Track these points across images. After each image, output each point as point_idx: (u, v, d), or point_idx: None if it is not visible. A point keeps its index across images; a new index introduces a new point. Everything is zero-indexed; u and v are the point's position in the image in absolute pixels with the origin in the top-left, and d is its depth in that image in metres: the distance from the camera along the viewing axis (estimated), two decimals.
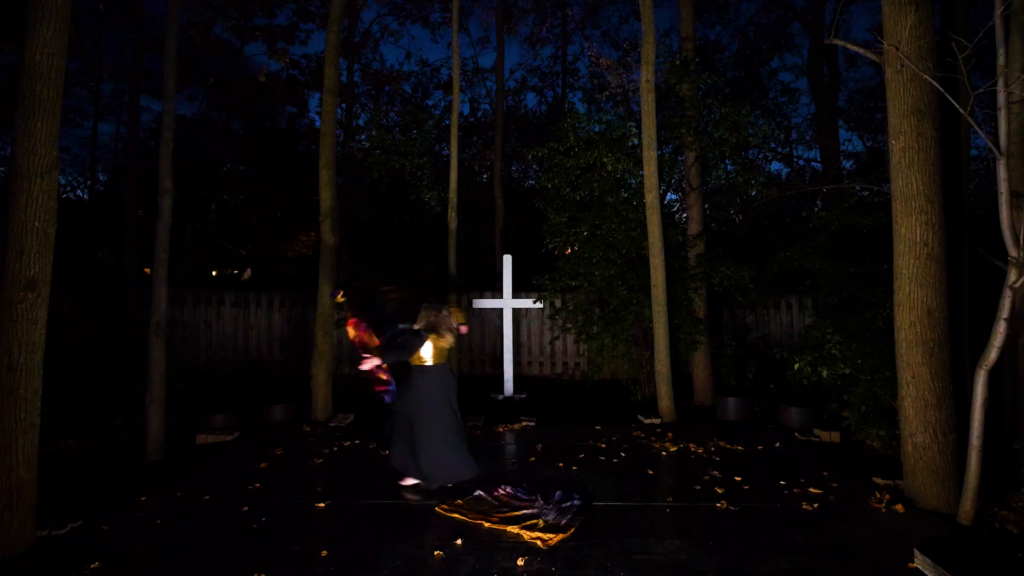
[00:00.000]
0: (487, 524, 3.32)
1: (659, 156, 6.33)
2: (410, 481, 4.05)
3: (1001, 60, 3.35)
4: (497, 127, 11.56)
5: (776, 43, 13.44)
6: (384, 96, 15.49)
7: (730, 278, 6.67)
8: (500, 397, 7.13)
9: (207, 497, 3.78)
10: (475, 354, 8.83)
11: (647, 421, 5.86)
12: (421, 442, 3.89)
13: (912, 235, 3.76)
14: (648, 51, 5.95)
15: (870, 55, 3.94)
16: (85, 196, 16.08)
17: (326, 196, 6.07)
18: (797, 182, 13.04)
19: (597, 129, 7.01)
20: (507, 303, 7.29)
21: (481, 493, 3.75)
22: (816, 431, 5.47)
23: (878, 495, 3.72)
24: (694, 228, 7.10)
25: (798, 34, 13.83)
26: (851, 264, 6.10)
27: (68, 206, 14.75)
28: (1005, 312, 3.30)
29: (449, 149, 7.23)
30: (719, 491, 3.90)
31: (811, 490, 3.89)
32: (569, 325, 7.65)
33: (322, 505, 3.66)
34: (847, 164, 13.50)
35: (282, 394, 6.82)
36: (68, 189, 15.95)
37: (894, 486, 3.99)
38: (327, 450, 4.87)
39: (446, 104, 15.68)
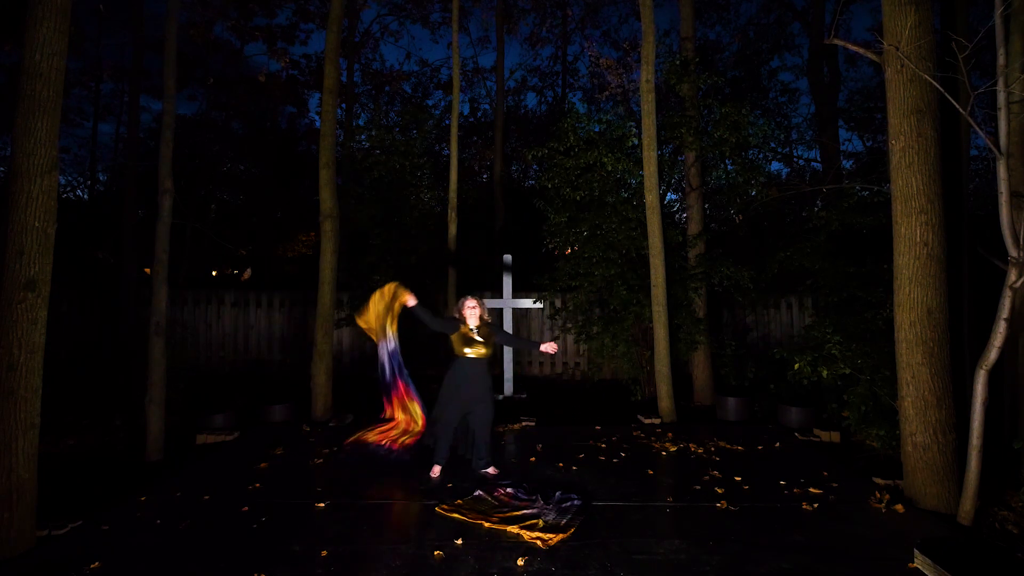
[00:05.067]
0: (487, 524, 3.32)
1: (659, 156, 6.33)
2: (437, 470, 4.22)
3: (1001, 60, 3.35)
4: (497, 127, 11.57)
5: (776, 43, 13.45)
6: (384, 96, 15.51)
7: (730, 278, 6.67)
8: (500, 397, 7.13)
9: (207, 497, 3.78)
10: None
11: (647, 421, 5.86)
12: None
13: (912, 235, 3.76)
14: (648, 51, 5.95)
15: (870, 55, 3.94)
16: (85, 196, 16.07)
17: (326, 196, 6.07)
18: (797, 182, 13.04)
19: (597, 129, 7.01)
20: (507, 303, 7.29)
21: (481, 493, 3.75)
22: (816, 431, 5.47)
23: (878, 495, 3.71)
24: (694, 228, 7.10)
25: (798, 34, 13.85)
26: (851, 264, 6.10)
27: (68, 206, 14.73)
28: (1005, 312, 3.30)
29: (449, 149, 7.23)
30: (719, 491, 3.89)
31: (811, 490, 3.88)
32: (569, 325, 7.65)
33: (322, 505, 3.66)
34: (847, 164, 13.52)
35: (282, 394, 6.81)
36: (68, 189, 15.93)
37: (894, 486, 3.99)
38: (327, 450, 4.87)
39: (446, 104, 15.68)
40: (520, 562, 2.90)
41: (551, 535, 3.15)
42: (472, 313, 4.24)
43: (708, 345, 6.86)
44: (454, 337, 4.21)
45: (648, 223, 6.03)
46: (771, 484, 4.02)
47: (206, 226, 13.67)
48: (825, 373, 5.08)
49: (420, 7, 14.72)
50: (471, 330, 4.21)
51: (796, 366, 5.18)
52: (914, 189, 3.74)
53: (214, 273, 17.13)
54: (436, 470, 4.22)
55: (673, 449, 4.88)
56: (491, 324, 4.36)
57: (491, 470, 4.24)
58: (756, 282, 6.77)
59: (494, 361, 8.64)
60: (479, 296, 4.35)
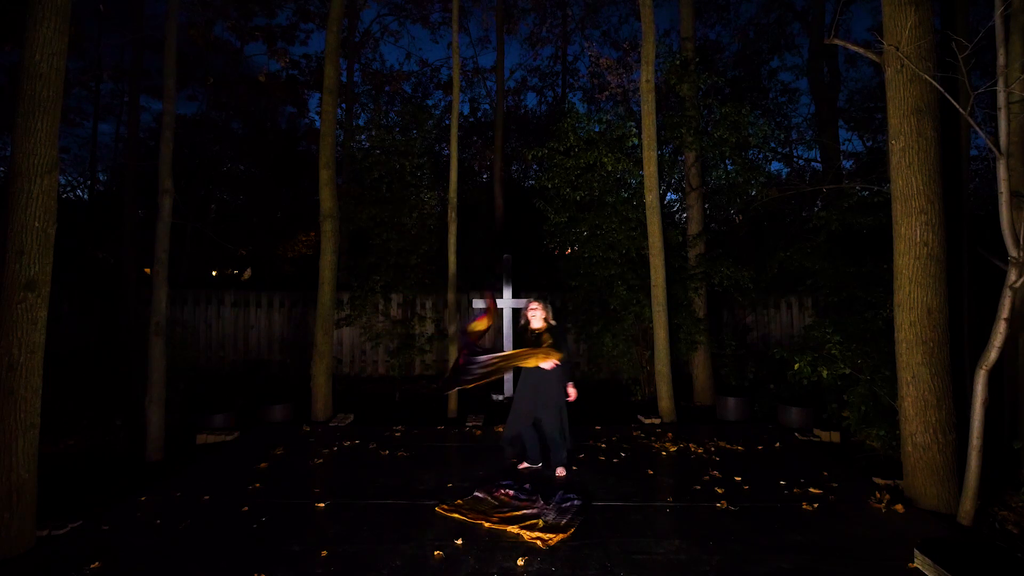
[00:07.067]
0: (487, 524, 3.32)
1: (659, 156, 6.33)
2: (525, 464, 4.38)
3: (1001, 60, 3.35)
4: (497, 127, 11.56)
5: (776, 43, 13.44)
6: (384, 96, 15.50)
7: (730, 278, 6.67)
8: (500, 398, 7.13)
9: (207, 497, 3.78)
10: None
11: (647, 421, 5.86)
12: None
13: (912, 235, 3.76)
14: (648, 51, 5.95)
15: (870, 55, 3.94)
16: (85, 196, 16.06)
17: (326, 196, 6.07)
18: (797, 182, 13.03)
19: (597, 129, 7.01)
20: (507, 303, 7.28)
21: (481, 493, 3.75)
22: (816, 431, 5.47)
23: (878, 495, 3.71)
24: (694, 228, 7.10)
25: (798, 34, 13.84)
26: (851, 264, 6.10)
27: (68, 206, 14.73)
28: (1005, 312, 3.30)
29: (449, 149, 7.23)
30: (719, 491, 3.89)
31: (811, 490, 3.88)
32: (569, 325, 7.65)
33: (322, 505, 3.66)
34: (847, 164, 13.50)
35: (282, 394, 6.81)
36: (68, 189, 15.94)
37: (894, 486, 3.99)
38: (327, 450, 4.87)
39: (446, 104, 15.71)
40: (520, 562, 2.90)
41: (551, 535, 3.15)
42: (534, 315, 4.28)
43: (708, 345, 6.85)
44: (523, 339, 4.29)
45: (648, 223, 6.03)
46: (771, 484, 4.02)
47: (206, 226, 13.67)
48: (825, 373, 5.07)
49: (420, 7, 14.72)
50: (533, 331, 4.25)
51: (796, 366, 5.18)
52: (914, 189, 3.74)
53: (214, 273, 17.12)
54: (523, 465, 4.36)
55: (673, 449, 4.88)
56: (555, 329, 4.28)
57: (559, 471, 4.24)
58: (756, 282, 6.77)
59: None
60: (543, 300, 4.36)
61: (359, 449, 4.93)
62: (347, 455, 4.76)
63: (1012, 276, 3.30)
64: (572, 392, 4.26)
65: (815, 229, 6.58)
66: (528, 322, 4.33)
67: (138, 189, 11.35)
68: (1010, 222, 3.29)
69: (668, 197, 9.13)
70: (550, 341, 4.17)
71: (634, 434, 5.37)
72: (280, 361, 8.89)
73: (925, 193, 3.72)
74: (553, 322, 4.34)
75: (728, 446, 4.94)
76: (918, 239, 3.74)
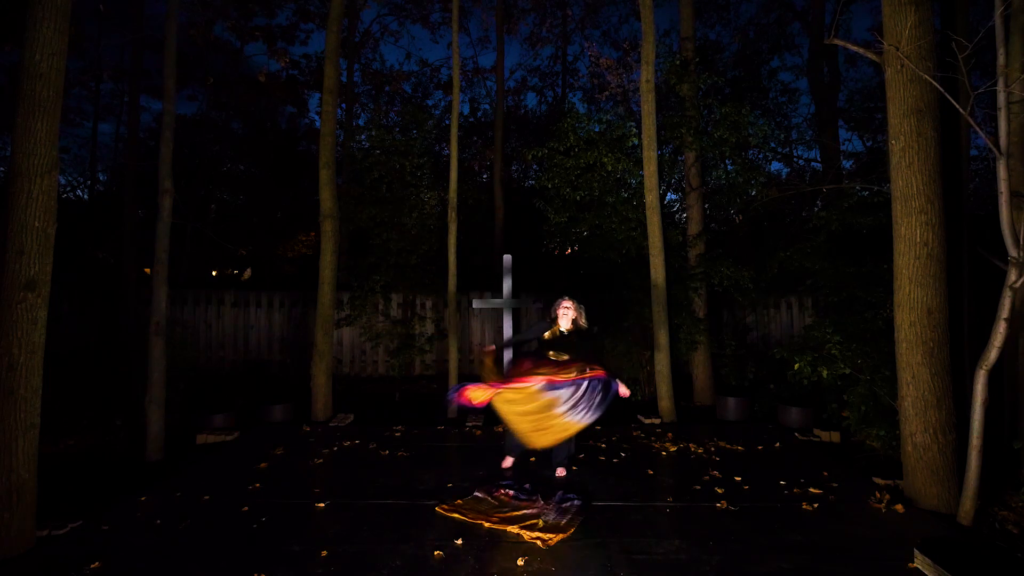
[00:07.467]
0: (487, 524, 3.32)
1: (659, 156, 6.33)
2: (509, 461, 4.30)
3: (1001, 60, 3.35)
4: (497, 127, 11.56)
5: (776, 43, 13.42)
6: (384, 96, 15.51)
7: (730, 278, 6.66)
8: None
9: (207, 497, 3.78)
10: (475, 354, 8.83)
11: (647, 421, 5.86)
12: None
13: (912, 235, 3.76)
14: (648, 51, 5.95)
15: (870, 55, 3.94)
16: (85, 196, 16.06)
17: (326, 196, 6.07)
18: (797, 182, 13.03)
19: (597, 129, 7.01)
20: (507, 303, 7.27)
21: (481, 493, 3.75)
22: (816, 431, 5.47)
23: (878, 495, 3.71)
24: (694, 228, 7.10)
25: (798, 34, 13.83)
26: (851, 264, 6.10)
27: (68, 206, 14.74)
28: (1005, 312, 3.30)
29: (449, 149, 7.23)
30: (719, 491, 3.89)
31: (811, 490, 3.88)
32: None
33: (322, 505, 3.66)
34: (847, 164, 13.49)
35: (282, 394, 6.81)
36: (68, 189, 15.94)
37: (894, 486, 3.99)
38: (327, 450, 4.87)
39: (446, 104, 15.73)
40: (520, 562, 2.90)
41: (551, 535, 3.15)
42: (565, 314, 4.10)
43: (708, 345, 6.85)
44: (543, 337, 4.11)
45: (648, 223, 6.03)
46: (771, 484, 4.02)
47: (206, 226, 13.68)
48: (825, 373, 5.08)
49: (420, 7, 14.73)
50: (560, 332, 4.09)
51: (796, 366, 5.18)
52: (914, 189, 3.74)
53: (214, 273, 17.12)
54: (508, 461, 4.29)
55: (673, 449, 4.88)
56: (584, 332, 4.14)
57: (559, 471, 4.17)
58: (756, 282, 6.77)
59: (495, 362, 8.64)
60: (576, 299, 4.17)
61: (359, 449, 4.93)
62: (347, 455, 4.76)
63: (1012, 276, 3.30)
64: (624, 390, 3.99)
65: (815, 229, 6.57)
66: (555, 321, 4.10)
67: (138, 189, 11.35)
68: (1010, 222, 3.29)
69: (668, 197, 9.14)
70: (580, 348, 3.98)
71: (634, 434, 5.36)
72: (280, 361, 8.89)
73: (925, 193, 3.72)
74: (584, 325, 4.14)
75: (728, 446, 4.94)
76: (918, 239, 3.74)
